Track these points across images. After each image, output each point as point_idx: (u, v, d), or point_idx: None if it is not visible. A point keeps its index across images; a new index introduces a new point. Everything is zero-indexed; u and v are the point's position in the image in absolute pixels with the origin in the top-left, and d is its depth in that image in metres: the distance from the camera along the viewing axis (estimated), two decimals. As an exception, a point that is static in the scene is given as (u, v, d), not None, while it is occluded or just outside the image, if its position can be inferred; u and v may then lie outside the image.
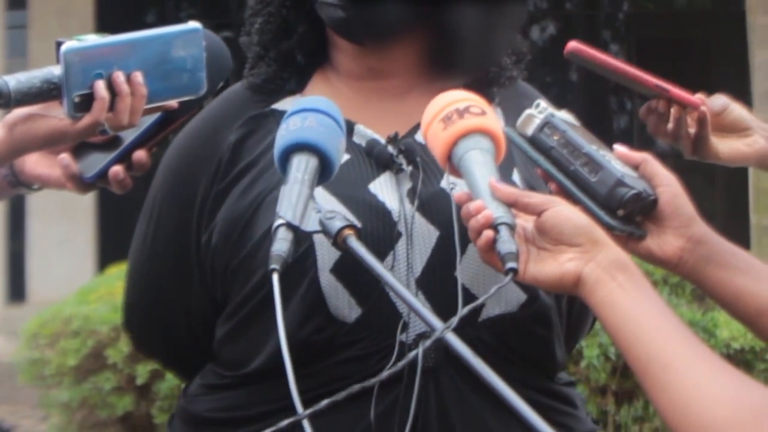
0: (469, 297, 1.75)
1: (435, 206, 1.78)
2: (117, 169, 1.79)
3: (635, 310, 1.48)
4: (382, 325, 1.76)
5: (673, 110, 1.87)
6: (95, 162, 1.80)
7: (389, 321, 1.76)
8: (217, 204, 1.86)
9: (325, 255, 1.75)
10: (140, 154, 1.80)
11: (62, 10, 11.79)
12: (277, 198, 1.79)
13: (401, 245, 1.76)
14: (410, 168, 1.81)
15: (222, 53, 1.86)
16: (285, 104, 1.90)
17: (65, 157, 1.80)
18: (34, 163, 1.88)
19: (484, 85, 1.89)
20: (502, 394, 1.39)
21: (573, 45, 1.82)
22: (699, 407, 1.39)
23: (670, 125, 1.89)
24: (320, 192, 1.77)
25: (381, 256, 1.74)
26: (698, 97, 1.86)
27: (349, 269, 1.75)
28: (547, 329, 1.83)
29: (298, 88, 1.93)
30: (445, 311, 1.73)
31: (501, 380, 1.40)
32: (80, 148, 1.81)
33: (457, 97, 1.65)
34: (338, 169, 1.69)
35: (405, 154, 1.81)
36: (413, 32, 1.85)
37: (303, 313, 1.77)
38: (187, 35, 1.74)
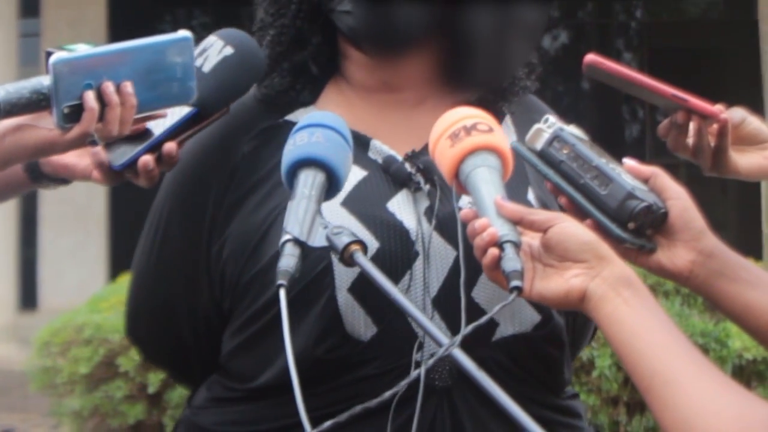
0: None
1: (452, 226, 1.76)
2: (147, 159, 1.76)
3: (639, 326, 1.47)
4: (398, 344, 1.75)
5: (692, 122, 1.83)
6: (124, 152, 1.78)
7: (405, 340, 1.75)
8: (230, 215, 1.85)
9: (343, 274, 1.74)
10: (171, 146, 1.77)
11: (75, 19, 11.82)
12: None
13: (418, 265, 1.76)
14: (428, 186, 1.80)
15: (256, 53, 1.84)
16: (298, 115, 1.89)
17: None
18: None
19: (498, 96, 1.88)
20: (507, 409, 1.39)
21: (591, 58, 1.79)
22: (702, 424, 1.38)
23: (691, 138, 1.84)
24: (339, 210, 1.77)
25: (398, 275, 1.74)
26: (718, 108, 1.83)
27: (367, 288, 1.73)
28: (559, 350, 1.83)
29: (311, 99, 1.92)
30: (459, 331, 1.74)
31: (507, 396, 1.39)
32: None
33: (464, 114, 1.65)
34: (356, 186, 1.69)
35: (423, 173, 1.80)
36: (426, 44, 1.85)
37: (319, 332, 1.76)
38: (176, 44, 1.72)
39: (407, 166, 1.81)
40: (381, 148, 1.83)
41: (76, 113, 1.66)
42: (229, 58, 1.80)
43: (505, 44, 1.85)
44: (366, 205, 1.78)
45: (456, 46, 1.85)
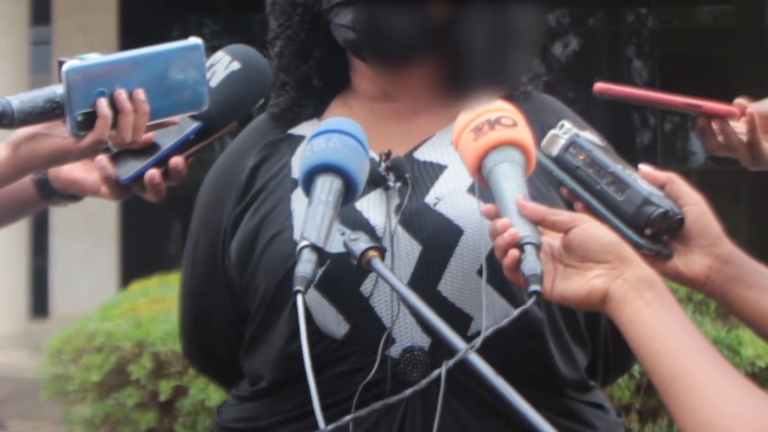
0: (454, 311, 1.75)
1: (418, 221, 1.78)
2: (153, 173, 1.78)
3: (661, 328, 1.47)
4: (370, 340, 1.77)
5: (714, 124, 1.84)
6: (131, 167, 1.80)
7: (377, 336, 1.76)
8: (234, 228, 1.90)
9: None
10: (177, 160, 1.79)
11: (86, 27, 11.86)
12: (278, 216, 1.84)
13: (385, 261, 1.76)
14: (399, 184, 1.81)
15: (263, 69, 1.87)
16: (301, 129, 1.93)
17: (102, 158, 1.79)
18: (71, 167, 1.89)
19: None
20: (522, 412, 1.39)
21: (600, 87, 1.80)
22: (723, 426, 1.38)
23: (720, 138, 1.85)
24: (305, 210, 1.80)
25: (364, 272, 1.74)
26: (738, 103, 1.83)
27: (334, 286, 1.77)
28: (540, 343, 1.81)
29: (316, 112, 1.95)
30: (429, 326, 1.74)
31: (521, 398, 1.39)
32: (118, 155, 1.81)
33: (488, 107, 1.64)
34: None
35: (393, 171, 1.81)
36: (426, 54, 1.87)
37: (291, 329, 1.80)
38: (188, 51, 1.74)
39: (382, 165, 1.83)
40: None
41: (89, 121, 1.67)
42: (236, 73, 1.83)
43: (504, 54, 1.86)
44: None
45: (456, 57, 1.86)
